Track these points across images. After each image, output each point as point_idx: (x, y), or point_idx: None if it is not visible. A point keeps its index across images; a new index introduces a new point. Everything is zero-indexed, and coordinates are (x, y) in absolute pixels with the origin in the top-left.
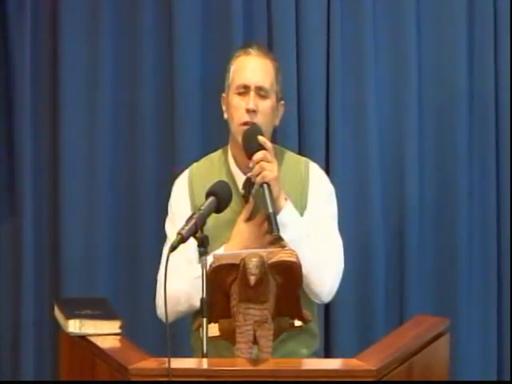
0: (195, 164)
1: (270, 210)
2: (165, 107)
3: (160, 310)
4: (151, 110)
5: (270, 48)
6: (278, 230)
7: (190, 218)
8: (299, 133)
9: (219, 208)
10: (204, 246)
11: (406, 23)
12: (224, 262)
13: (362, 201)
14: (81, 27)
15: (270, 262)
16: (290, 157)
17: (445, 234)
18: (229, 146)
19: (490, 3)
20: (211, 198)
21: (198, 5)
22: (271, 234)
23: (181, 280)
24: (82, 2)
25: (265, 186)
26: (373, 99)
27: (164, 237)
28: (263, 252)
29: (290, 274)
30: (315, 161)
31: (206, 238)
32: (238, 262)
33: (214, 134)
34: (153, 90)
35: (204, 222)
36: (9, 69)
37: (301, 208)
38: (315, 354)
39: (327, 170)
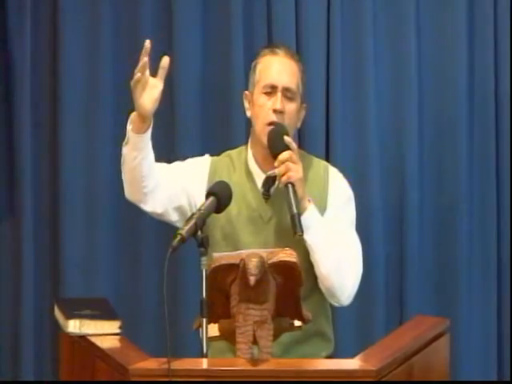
0: (215, 157)
1: (295, 211)
2: (165, 107)
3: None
4: None
5: None
6: (302, 230)
7: (190, 218)
8: (299, 133)
9: (219, 208)
10: (204, 247)
11: (406, 23)
12: (224, 262)
13: (362, 200)
14: (81, 27)
15: (269, 262)
16: (310, 160)
17: (445, 233)
18: (249, 144)
19: (490, 3)
20: (211, 198)
21: (198, 5)
22: (295, 235)
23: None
24: (82, 2)
25: (289, 186)
26: (373, 99)
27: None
28: (263, 252)
29: (290, 274)
30: None
31: (206, 238)
32: (237, 262)
33: (214, 134)
34: None
35: (204, 223)
36: (9, 69)
37: (320, 211)
38: (331, 357)
39: None
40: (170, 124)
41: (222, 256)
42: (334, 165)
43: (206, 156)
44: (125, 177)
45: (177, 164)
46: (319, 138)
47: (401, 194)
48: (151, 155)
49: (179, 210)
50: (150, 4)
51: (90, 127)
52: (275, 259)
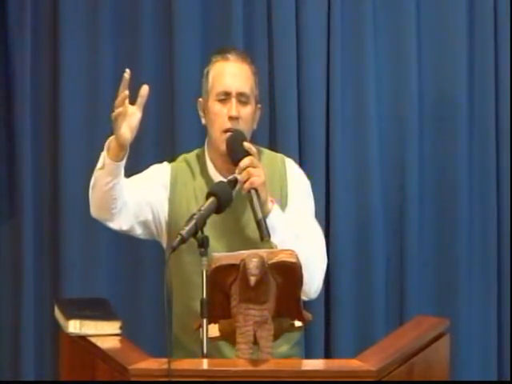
0: (174, 164)
1: (260, 216)
2: (165, 107)
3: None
4: (151, 110)
5: (270, 49)
6: (269, 235)
7: (191, 218)
8: (299, 133)
9: (220, 208)
10: (204, 247)
11: (406, 24)
12: (224, 262)
13: (362, 200)
14: (81, 27)
15: (270, 262)
16: (267, 154)
17: (445, 233)
18: (206, 150)
19: (490, 3)
20: (211, 199)
21: (197, 5)
22: (262, 240)
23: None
24: (82, 3)
25: (253, 191)
26: (373, 100)
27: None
28: (263, 252)
29: (290, 275)
30: (315, 160)
31: (207, 238)
32: (238, 262)
33: None
34: (153, 91)
35: (204, 223)
36: (9, 69)
37: (281, 205)
38: (297, 345)
39: (327, 170)
40: (170, 124)
41: (222, 256)
42: (335, 165)
43: (165, 163)
44: (93, 198)
45: (137, 177)
46: (319, 138)
47: (401, 193)
48: (123, 178)
49: (144, 224)
50: (150, 4)
51: (90, 127)
52: (275, 259)
